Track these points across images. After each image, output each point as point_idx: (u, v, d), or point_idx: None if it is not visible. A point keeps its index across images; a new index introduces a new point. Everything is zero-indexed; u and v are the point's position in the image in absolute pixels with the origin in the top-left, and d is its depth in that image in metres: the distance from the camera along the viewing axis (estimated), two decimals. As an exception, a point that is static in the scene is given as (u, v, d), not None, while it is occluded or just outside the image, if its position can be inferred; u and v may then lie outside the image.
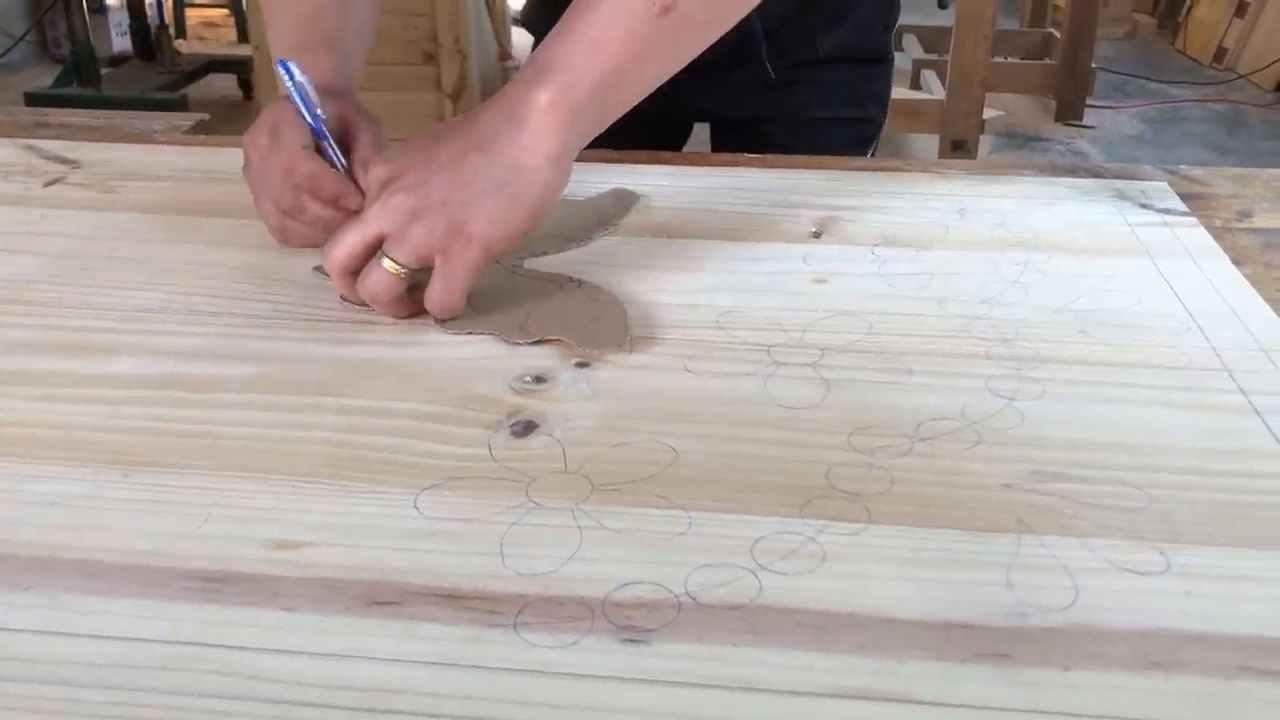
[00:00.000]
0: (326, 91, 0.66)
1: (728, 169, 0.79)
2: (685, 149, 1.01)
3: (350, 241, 0.56)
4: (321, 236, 0.61)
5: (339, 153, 0.64)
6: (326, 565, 0.40)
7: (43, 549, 0.41)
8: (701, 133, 1.03)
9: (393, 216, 0.55)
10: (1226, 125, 3.62)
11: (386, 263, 0.55)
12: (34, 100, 3.31)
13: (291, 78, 0.63)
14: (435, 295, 0.56)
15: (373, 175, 0.57)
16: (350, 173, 0.64)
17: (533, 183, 0.55)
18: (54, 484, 0.44)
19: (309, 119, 0.64)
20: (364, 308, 0.58)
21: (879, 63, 0.96)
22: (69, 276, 0.62)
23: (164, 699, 0.34)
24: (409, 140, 0.59)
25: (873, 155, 0.99)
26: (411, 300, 0.57)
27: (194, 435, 0.48)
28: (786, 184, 0.76)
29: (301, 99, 0.63)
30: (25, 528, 0.42)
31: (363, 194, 0.62)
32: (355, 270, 0.56)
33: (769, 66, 0.90)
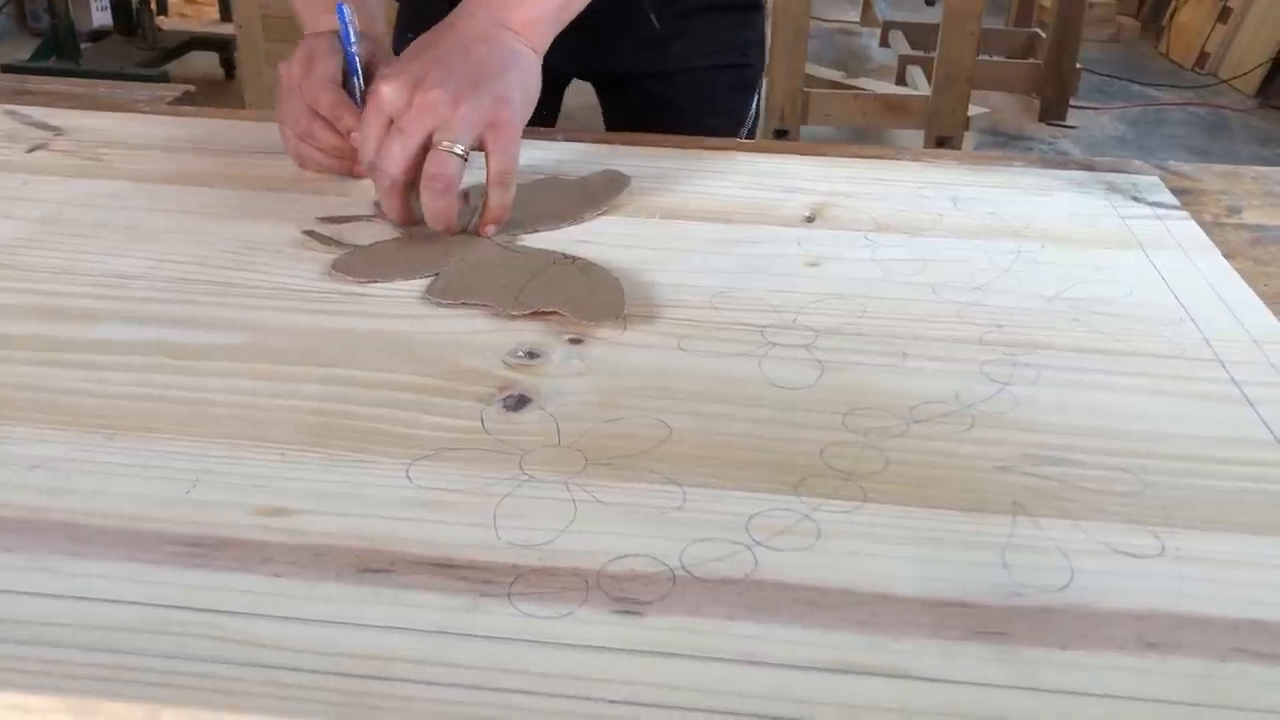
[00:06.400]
0: (360, 35, 0.71)
1: (720, 152, 0.79)
2: (563, 106, 1.02)
3: (402, 151, 0.60)
4: (334, 165, 0.69)
5: (364, 88, 0.69)
6: (317, 532, 0.39)
7: (25, 511, 0.40)
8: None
9: (435, 110, 0.59)
10: (1208, 129, 3.64)
11: (445, 145, 0.59)
12: (11, 73, 3.25)
13: (344, 16, 0.69)
14: (495, 166, 0.61)
15: (385, 93, 0.60)
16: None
17: (533, 63, 0.65)
18: (36, 447, 0.43)
19: (348, 55, 0.69)
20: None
21: (753, 8, 0.98)
22: (52, 242, 0.61)
23: (151, 662, 0.33)
24: (396, 61, 0.63)
25: (756, 107, 1.01)
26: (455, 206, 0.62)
27: (179, 401, 0.47)
28: (779, 168, 0.75)
29: (347, 36, 0.69)
30: (7, 490, 0.41)
31: None
32: (412, 179, 0.61)
33: (653, 18, 0.91)
